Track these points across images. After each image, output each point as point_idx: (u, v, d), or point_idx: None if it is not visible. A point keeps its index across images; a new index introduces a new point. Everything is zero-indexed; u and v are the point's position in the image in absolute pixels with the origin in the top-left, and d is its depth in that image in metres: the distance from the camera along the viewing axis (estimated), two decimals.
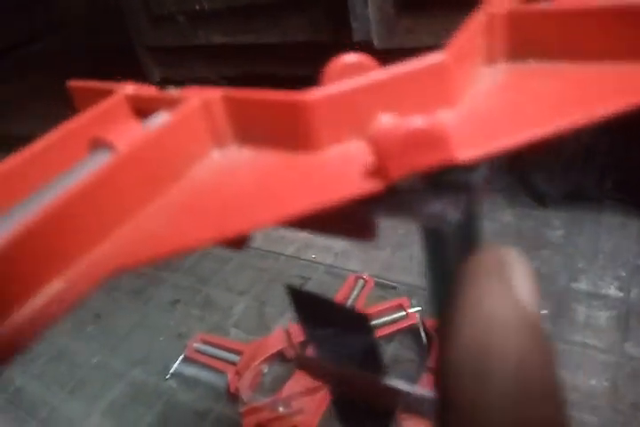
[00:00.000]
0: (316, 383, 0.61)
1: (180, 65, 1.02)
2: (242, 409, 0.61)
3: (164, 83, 1.08)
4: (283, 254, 0.89)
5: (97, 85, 0.17)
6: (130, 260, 0.12)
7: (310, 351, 0.19)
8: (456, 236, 0.13)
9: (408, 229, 0.83)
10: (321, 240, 0.90)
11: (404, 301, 0.68)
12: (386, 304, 0.68)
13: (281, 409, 0.60)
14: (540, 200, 0.76)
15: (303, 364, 0.19)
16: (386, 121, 0.13)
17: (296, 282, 0.83)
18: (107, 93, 0.16)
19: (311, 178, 0.13)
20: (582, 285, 0.66)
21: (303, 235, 0.92)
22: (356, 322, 0.16)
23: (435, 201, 0.13)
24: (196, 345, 0.75)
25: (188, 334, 0.79)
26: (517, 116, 0.13)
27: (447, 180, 0.12)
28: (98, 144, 0.14)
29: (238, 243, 0.15)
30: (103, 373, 0.79)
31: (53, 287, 0.12)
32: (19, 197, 0.13)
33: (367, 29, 0.64)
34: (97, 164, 0.13)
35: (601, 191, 0.73)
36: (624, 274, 0.66)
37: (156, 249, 0.13)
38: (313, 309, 0.17)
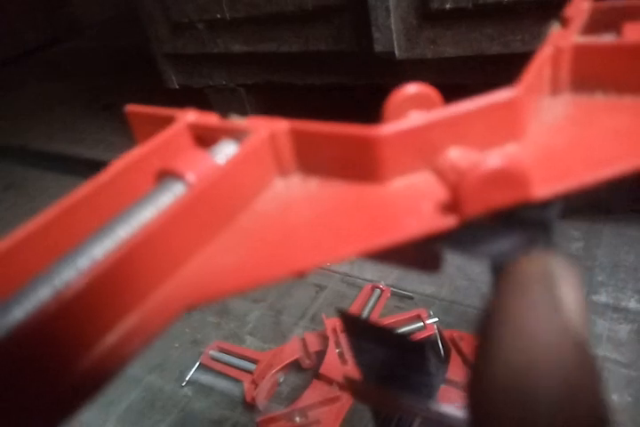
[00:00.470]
0: (334, 393, 0.61)
1: (198, 73, 1.02)
2: (258, 419, 0.61)
3: (182, 90, 1.09)
4: None
5: (156, 112, 0.17)
6: (200, 295, 0.13)
7: (355, 373, 0.19)
8: None
9: None
10: None
11: (421, 311, 0.68)
12: (403, 315, 0.68)
13: (297, 419, 0.60)
14: (560, 211, 0.75)
15: (351, 386, 0.19)
16: (456, 154, 0.13)
17: (311, 291, 0.83)
18: (167, 120, 0.16)
19: (378, 210, 0.13)
20: (602, 297, 0.65)
21: None
22: (411, 349, 0.16)
23: (507, 238, 0.13)
24: (212, 353, 0.75)
25: (203, 341, 0.79)
26: (588, 151, 0.13)
27: (521, 217, 0.12)
28: (167, 175, 0.14)
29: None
30: (119, 379, 0.78)
31: (128, 323, 0.12)
32: (89, 227, 0.14)
33: (389, 40, 0.65)
34: (169, 196, 0.13)
35: (621, 203, 0.72)
36: None
37: (224, 284, 0.13)
38: (363, 333, 0.18)
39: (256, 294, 0.85)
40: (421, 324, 0.66)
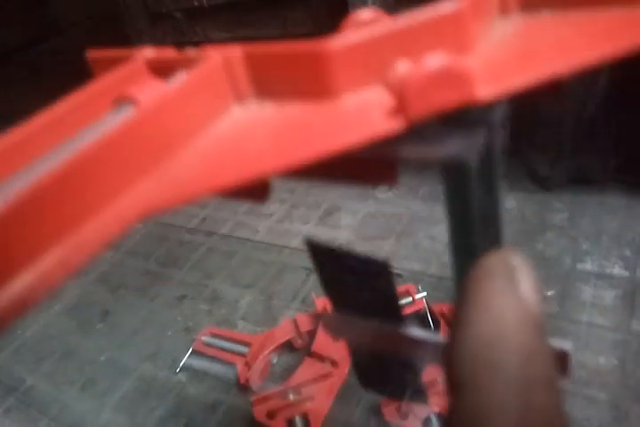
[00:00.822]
0: (326, 370, 0.62)
1: None
2: (252, 398, 0.61)
3: None
4: (287, 247, 0.89)
5: (116, 53, 0.17)
6: (155, 205, 0.13)
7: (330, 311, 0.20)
8: (476, 175, 0.13)
9: (411, 218, 0.84)
10: (325, 232, 0.90)
11: (410, 287, 0.68)
12: None
13: (291, 397, 0.60)
14: (543, 184, 0.76)
15: (326, 322, 0.19)
16: (403, 66, 0.14)
17: (301, 274, 0.83)
18: (126, 59, 0.17)
19: (332, 123, 0.14)
20: (587, 265, 0.66)
21: (307, 227, 0.93)
22: (376, 269, 0.16)
23: (454, 139, 0.13)
24: (205, 338, 0.75)
25: (195, 329, 0.79)
26: (530, 58, 0.14)
27: (467, 118, 0.13)
28: (122, 100, 0.14)
29: (260, 193, 0.15)
30: (113, 369, 0.79)
31: (80, 235, 0.12)
32: (44, 153, 0.14)
33: None
34: (120, 118, 0.14)
35: (604, 174, 0.73)
36: (629, 254, 0.66)
37: (179, 194, 0.13)
38: (332, 262, 0.18)
39: (247, 280, 0.86)
40: (410, 299, 0.67)
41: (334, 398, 0.61)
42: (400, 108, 0.12)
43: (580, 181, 0.74)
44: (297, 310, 0.76)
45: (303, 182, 1.05)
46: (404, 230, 0.83)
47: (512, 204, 0.77)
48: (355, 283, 0.17)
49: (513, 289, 0.13)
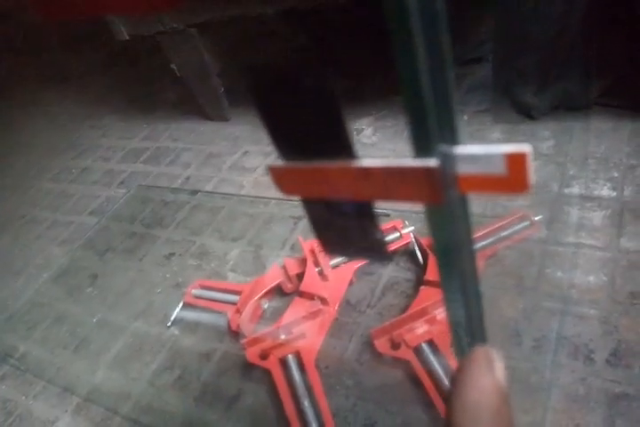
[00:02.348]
0: (316, 307, 0.61)
1: (146, 19, 0.98)
2: (244, 341, 0.60)
3: (133, 40, 1.04)
4: (273, 198, 0.87)
5: None
6: None
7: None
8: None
9: (396, 156, 0.82)
10: None
11: (397, 223, 0.67)
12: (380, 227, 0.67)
13: (283, 336, 0.60)
14: (528, 114, 0.74)
15: (274, 174, 0.18)
16: None
17: (289, 223, 0.82)
18: None
19: None
20: (575, 189, 0.65)
21: None
22: (321, 98, 0.15)
23: None
24: (195, 291, 0.74)
25: (185, 284, 0.78)
26: None
27: None
28: None
29: None
30: (105, 330, 0.78)
31: None
32: None
33: None
34: None
35: (588, 99, 0.71)
36: (617, 175, 0.65)
37: None
38: (277, 90, 0.16)
39: (234, 234, 0.84)
40: (398, 234, 0.66)
41: (326, 334, 0.61)
42: None
43: (565, 107, 0.72)
44: (286, 257, 0.75)
45: None
46: None
47: (498, 136, 0.75)
48: (293, 102, 0.15)
49: (491, 374, 0.19)
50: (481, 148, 0.15)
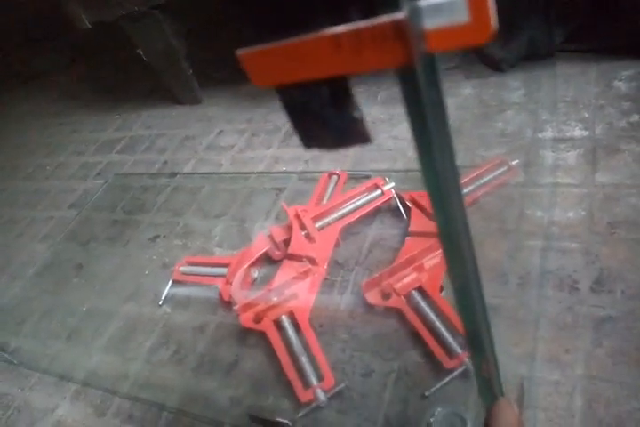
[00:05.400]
0: (306, 267, 0.61)
1: (107, 4, 0.97)
2: (237, 306, 0.60)
3: (95, 27, 1.02)
4: (253, 173, 0.87)
5: None
6: None
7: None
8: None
9: (372, 122, 0.82)
10: (289, 152, 0.88)
11: (378, 180, 0.67)
12: (361, 186, 0.67)
13: (275, 299, 0.60)
14: (497, 66, 0.75)
15: (245, 60, 0.18)
16: None
17: (271, 194, 0.82)
18: None
19: None
20: (548, 133, 0.66)
21: (270, 151, 0.91)
22: None
23: None
24: (183, 268, 0.74)
25: (173, 263, 0.77)
26: None
27: None
28: None
29: None
30: (96, 316, 0.77)
31: None
32: None
33: None
34: None
35: (553, 46, 0.72)
36: (587, 115, 0.66)
37: None
38: None
39: (217, 211, 0.84)
40: (379, 191, 0.66)
41: (317, 294, 0.61)
42: None
43: (532, 56, 0.73)
44: (270, 225, 0.75)
45: (259, 110, 1.02)
46: None
47: (469, 91, 0.76)
48: None
49: (515, 417, 0.29)
50: None
